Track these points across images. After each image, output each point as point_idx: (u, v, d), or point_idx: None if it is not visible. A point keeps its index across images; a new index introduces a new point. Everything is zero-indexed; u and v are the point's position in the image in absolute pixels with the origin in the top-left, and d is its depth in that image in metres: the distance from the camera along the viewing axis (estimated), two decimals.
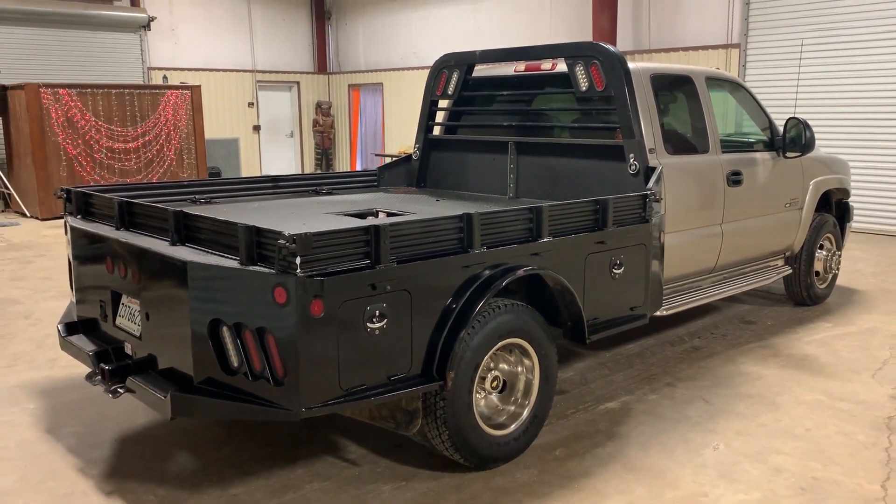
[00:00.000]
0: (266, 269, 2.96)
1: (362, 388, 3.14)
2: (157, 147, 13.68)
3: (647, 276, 4.50)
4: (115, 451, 4.00)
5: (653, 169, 4.64)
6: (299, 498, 3.51)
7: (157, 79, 16.19)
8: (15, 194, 13.07)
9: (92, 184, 12.36)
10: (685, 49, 12.19)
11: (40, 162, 12.35)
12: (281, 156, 19.03)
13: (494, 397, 3.85)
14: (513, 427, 3.80)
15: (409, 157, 6.20)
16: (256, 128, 18.36)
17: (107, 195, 4.10)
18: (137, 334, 3.65)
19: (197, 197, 5.07)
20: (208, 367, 3.19)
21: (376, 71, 18.23)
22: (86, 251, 4.05)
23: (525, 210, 3.73)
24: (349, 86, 19.08)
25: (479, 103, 5.90)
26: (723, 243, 5.48)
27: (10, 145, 13.23)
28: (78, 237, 4.11)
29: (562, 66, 5.18)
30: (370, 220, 3.46)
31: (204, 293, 3.16)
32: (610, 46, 4.82)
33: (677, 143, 5.17)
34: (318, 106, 19.16)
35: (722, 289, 5.59)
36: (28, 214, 12.78)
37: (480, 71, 5.82)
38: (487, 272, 3.54)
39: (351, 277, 3.00)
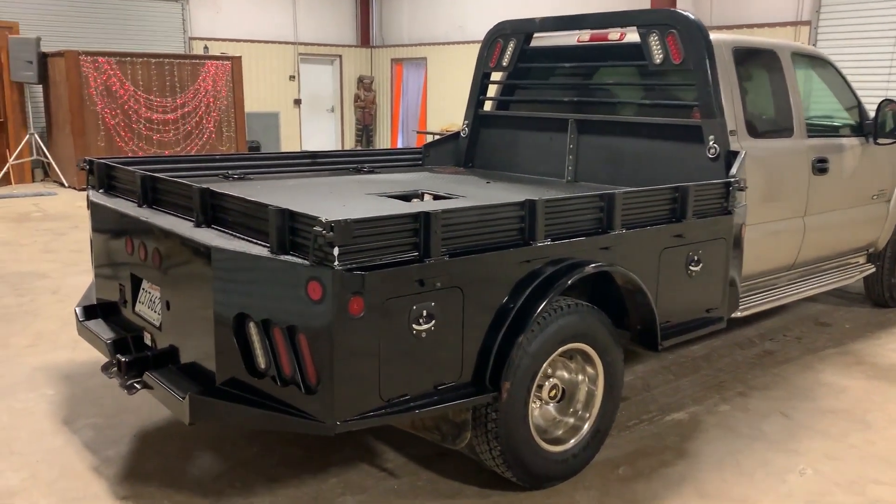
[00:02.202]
0: (299, 260, 2.55)
1: (405, 398, 2.73)
2: (196, 119, 13.42)
3: (727, 273, 4.00)
4: (134, 448, 3.67)
5: (735, 153, 4.12)
6: None
7: (197, 49, 15.91)
8: (54, 164, 12.92)
9: (130, 155, 12.17)
10: (749, 26, 11.46)
11: (78, 131, 12.15)
12: (321, 131, 18.69)
13: (552, 408, 3.41)
14: (571, 442, 3.36)
15: (456, 134, 5.74)
16: (297, 102, 18.01)
17: (130, 168, 3.73)
18: (157, 324, 3.29)
19: (230, 172, 4.68)
20: (233, 367, 2.81)
21: (420, 45, 17.72)
22: (105, 229, 3.70)
23: (595, 197, 3.26)
24: (392, 60, 18.61)
25: (537, 76, 5.41)
26: (804, 237, 4.94)
27: (50, 114, 13.07)
28: (97, 213, 3.76)
29: (631, 37, 4.67)
30: (419, 206, 3.03)
31: (229, 283, 2.77)
32: (690, 14, 4.29)
33: (760, 125, 4.63)
34: (360, 80, 18.73)
35: (800, 287, 5.06)
36: (66, 184, 12.63)
37: (540, 41, 5.32)
38: (551, 268, 3.10)
39: (396, 272, 2.58)
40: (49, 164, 13.13)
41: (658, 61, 4.38)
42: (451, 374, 2.85)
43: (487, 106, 5.65)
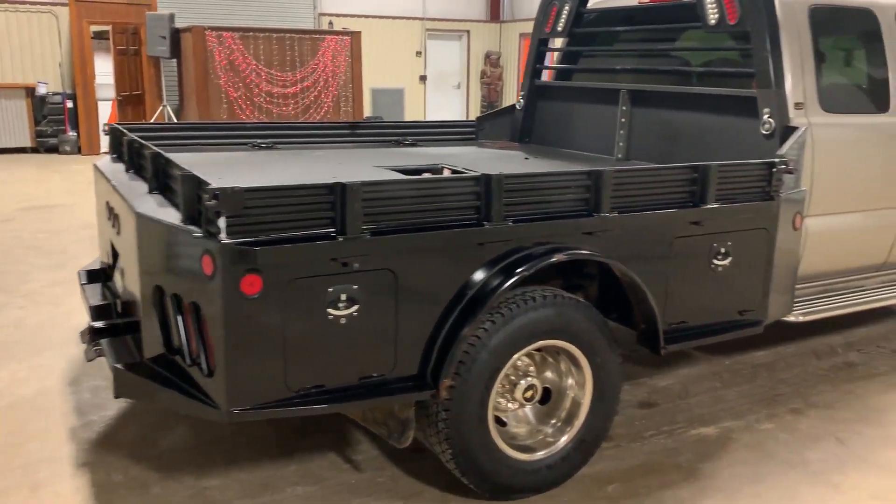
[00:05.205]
0: (196, 231, 2.35)
1: (320, 390, 2.47)
2: (315, 93, 13.68)
3: (769, 270, 3.40)
4: (119, 414, 3.66)
5: (792, 129, 3.49)
6: (273, 502, 2.95)
7: (325, 25, 16.21)
8: None
9: None
10: None
11: (203, 104, 12.73)
12: (446, 107, 18.58)
13: (529, 411, 3.04)
14: (544, 452, 2.97)
15: (512, 106, 5.34)
16: (423, 78, 18.00)
17: (127, 134, 3.68)
18: (120, 293, 3.23)
19: (259, 142, 4.58)
20: (156, 342, 2.67)
21: None
22: (99, 194, 3.69)
23: (579, 175, 2.82)
24: (521, 35, 18.11)
25: (592, 42, 4.90)
26: None
27: (182, 87, 13.78)
28: (97, 177, 3.76)
29: None
30: (338, 177, 2.73)
31: (150, 253, 2.62)
32: None
33: (842, 99, 3.92)
34: (487, 56, 18.42)
35: (892, 292, 4.28)
36: None
37: (600, 3, 4.82)
38: (515, 254, 2.71)
39: (302, 249, 2.31)
40: None
41: (713, 22, 3.79)
42: (380, 366, 2.55)
43: (545, 76, 5.22)
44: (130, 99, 13.44)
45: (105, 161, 3.88)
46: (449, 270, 2.61)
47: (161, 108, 13.49)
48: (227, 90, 12.85)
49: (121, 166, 3.64)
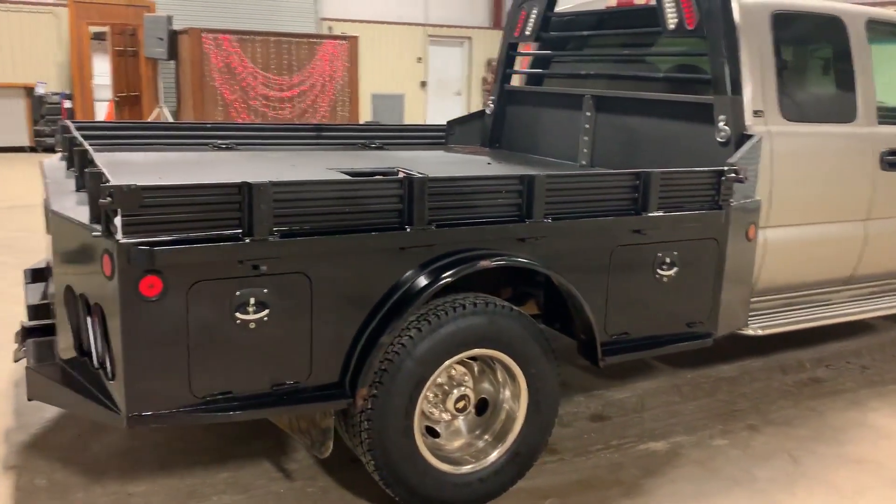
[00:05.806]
0: (98, 230, 2.28)
1: (227, 397, 2.39)
2: (312, 97, 13.65)
3: (719, 282, 3.30)
4: (56, 417, 3.59)
5: (747, 137, 3.40)
6: None
7: (326, 30, 16.21)
8: None
9: None
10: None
11: (198, 106, 12.73)
12: (446, 114, 18.44)
13: (462, 423, 2.95)
14: (473, 466, 2.87)
15: (482, 111, 5.27)
16: (423, 84, 17.96)
17: (72, 133, 3.62)
18: (53, 292, 3.16)
19: (219, 143, 4.53)
20: (70, 344, 2.61)
21: None
22: (42, 191, 3.64)
23: (509, 179, 2.74)
24: None
25: (559, 47, 4.83)
26: (866, 246, 4.05)
27: (179, 89, 13.79)
28: (41, 175, 3.71)
29: None
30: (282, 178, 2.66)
31: (61, 252, 2.57)
32: None
33: (804, 107, 3.83)
34: (489, 63, 18.35)
35: (861, 307, 4.16)
36: None
37: (570, 8, 4.75)
38: (442, 259, 2.63)
39: (205, 250, 2.24)
40: None
41: (672, 27, 3.70)
42: (294, 373, 2.47)
43: (515, 81, 5.14)
44: (128, 100, 13.46)
45: (52, 159, 3.83)
46: (368, 276, 2.53)
47: (157, 109, 13.49)
48: (223, 93, 12.85)
49: (65, 164, 3.59)
